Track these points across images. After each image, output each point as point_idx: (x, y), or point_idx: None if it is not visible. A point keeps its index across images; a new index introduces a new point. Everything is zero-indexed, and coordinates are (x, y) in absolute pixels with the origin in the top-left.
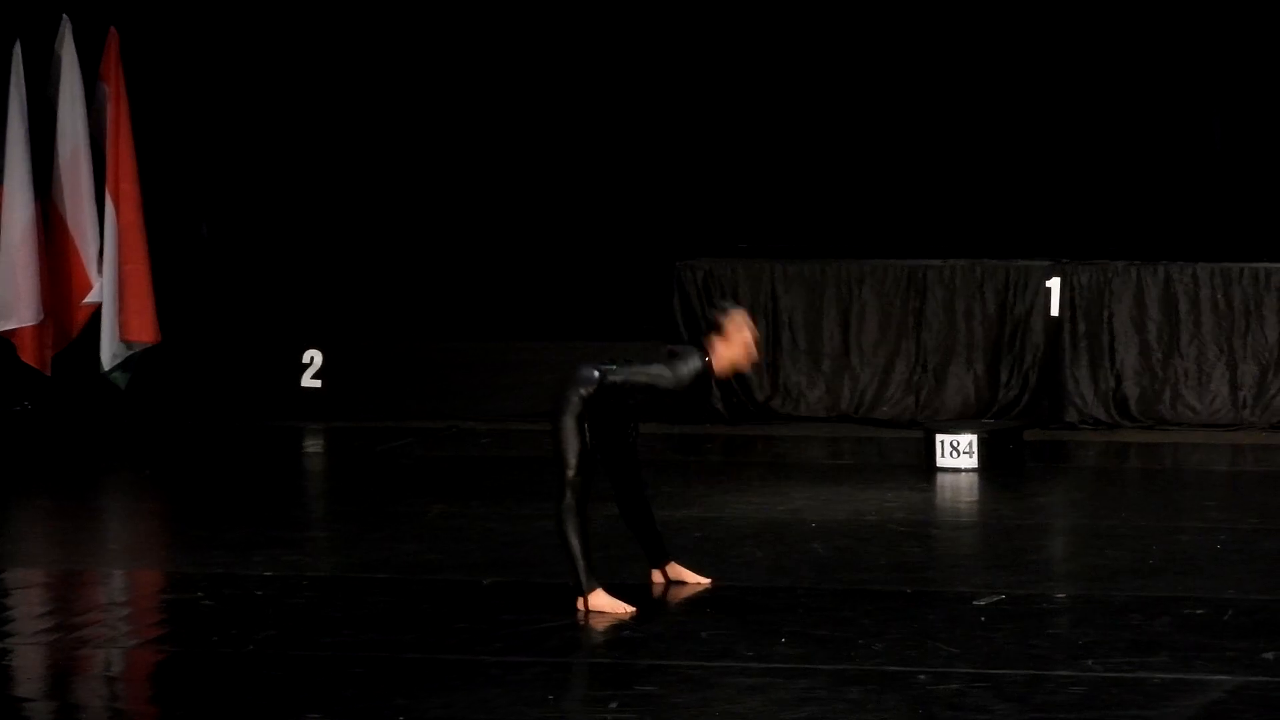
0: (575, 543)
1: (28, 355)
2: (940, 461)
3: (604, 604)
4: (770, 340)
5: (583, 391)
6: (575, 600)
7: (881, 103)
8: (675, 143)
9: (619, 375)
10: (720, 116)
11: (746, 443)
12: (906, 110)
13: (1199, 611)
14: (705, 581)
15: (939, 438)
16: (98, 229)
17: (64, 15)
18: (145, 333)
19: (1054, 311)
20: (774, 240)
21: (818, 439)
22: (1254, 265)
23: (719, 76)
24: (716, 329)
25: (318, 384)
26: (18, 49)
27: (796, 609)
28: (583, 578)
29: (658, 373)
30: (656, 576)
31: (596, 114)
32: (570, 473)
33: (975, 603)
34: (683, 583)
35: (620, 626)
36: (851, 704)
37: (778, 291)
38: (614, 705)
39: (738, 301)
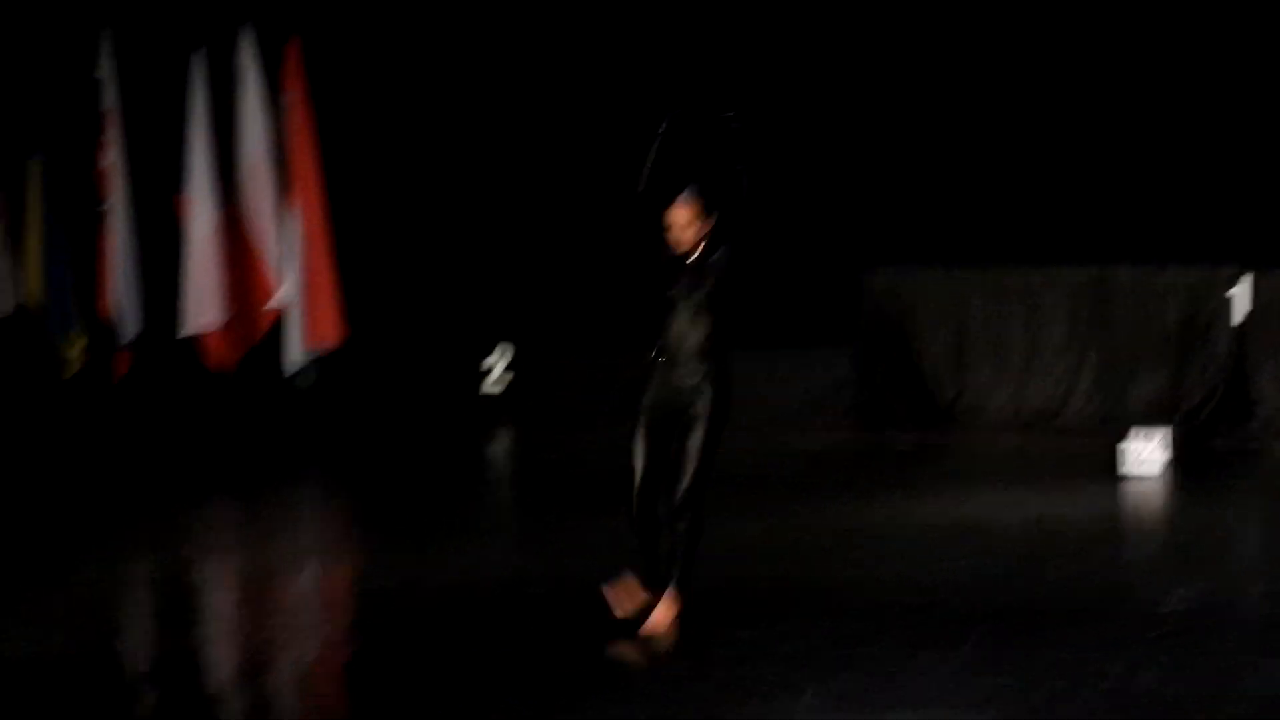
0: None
1: (213, 358)
2: (1125, 467)
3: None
4: (955, 347)
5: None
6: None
7: (1069, 111)
8: (863, 154)
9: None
10: (906, 127)
11: (932, 448)
12: (1093, 117)
13: None
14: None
15: (1124, 443)
16: (281, 235)
17: (246, 26)
18: (329, 336)
19: (1239, 317)
20: (959, 248)
21: (1003, 445)
22: None
23: (904, 88)
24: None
25: (500, 389)
26: (201, 59)
27: (982, 610)
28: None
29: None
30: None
31: (784, 126)
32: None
33: (1162, 608)
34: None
35: (789, 635)
36: (1038, 707)
37: (962, 299)
38: (808, 696)
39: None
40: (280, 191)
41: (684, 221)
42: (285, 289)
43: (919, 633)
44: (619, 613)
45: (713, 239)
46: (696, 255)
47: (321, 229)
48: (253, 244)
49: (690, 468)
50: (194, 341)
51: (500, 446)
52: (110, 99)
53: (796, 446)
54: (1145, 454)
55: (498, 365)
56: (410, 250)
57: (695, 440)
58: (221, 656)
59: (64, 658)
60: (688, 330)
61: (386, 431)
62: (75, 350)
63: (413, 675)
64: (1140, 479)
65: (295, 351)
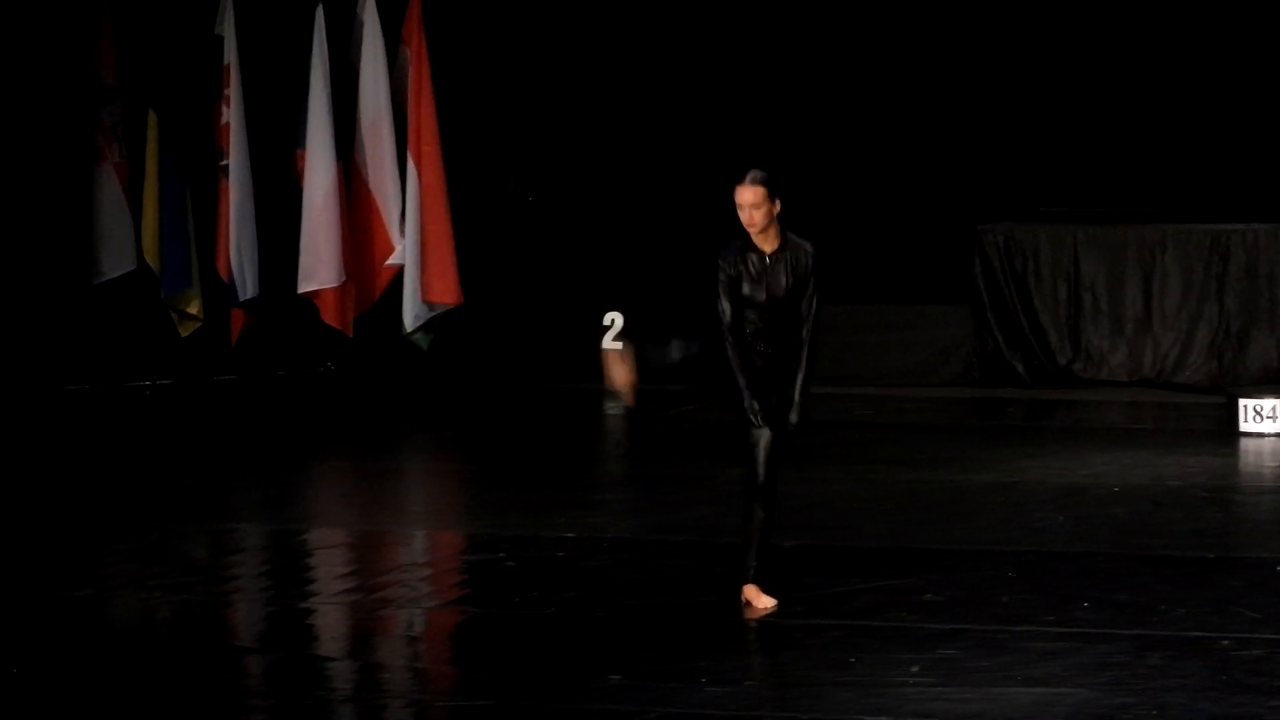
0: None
1: (330, 317)
2: (1243, 426)
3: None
4: (1072, 304)
5: None
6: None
7: (1189, 66)
8: (977, 107)
9: None
10: (1021, 80)
11: (1047, 406)
12: (1206, 74)
13: None
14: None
15: (1242, 402)
16: (400, 191)
17: None
18: (447, 294)
19: None
20: (1076, 204)
21: (1119, 403)
22: None
23: (1019, 40)
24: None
25: (618, 346)
26: (320, 13)
27: (1097, 574)
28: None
29: None
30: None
31: (898, 79)
32: None
33: (1279, 568)
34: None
35: (920, 590)
36: (1152, 669)
37: (1080, 255)
38: (915, 669)
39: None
40: (400, 149)
41: (754, 201)
42: (403, 246)
43: (1029, 598)
44: (759, 610)
45: (789, 232)
46: (778, 247)
47: (440, 185)
48: (371, 200)
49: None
50: (312, 299)
51: (619, 403)
52: (230, 54)
53: (912, 402)
54: (1264, 412)
55: (618, 323)
56: (530, 203)
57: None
58: (332, 621)
59: (173, 623)
60: (787, 324)
61: (503, 390)
62: (192, 308)
63: (528, 638)
64: (1259, 437)
65: (414, 307)
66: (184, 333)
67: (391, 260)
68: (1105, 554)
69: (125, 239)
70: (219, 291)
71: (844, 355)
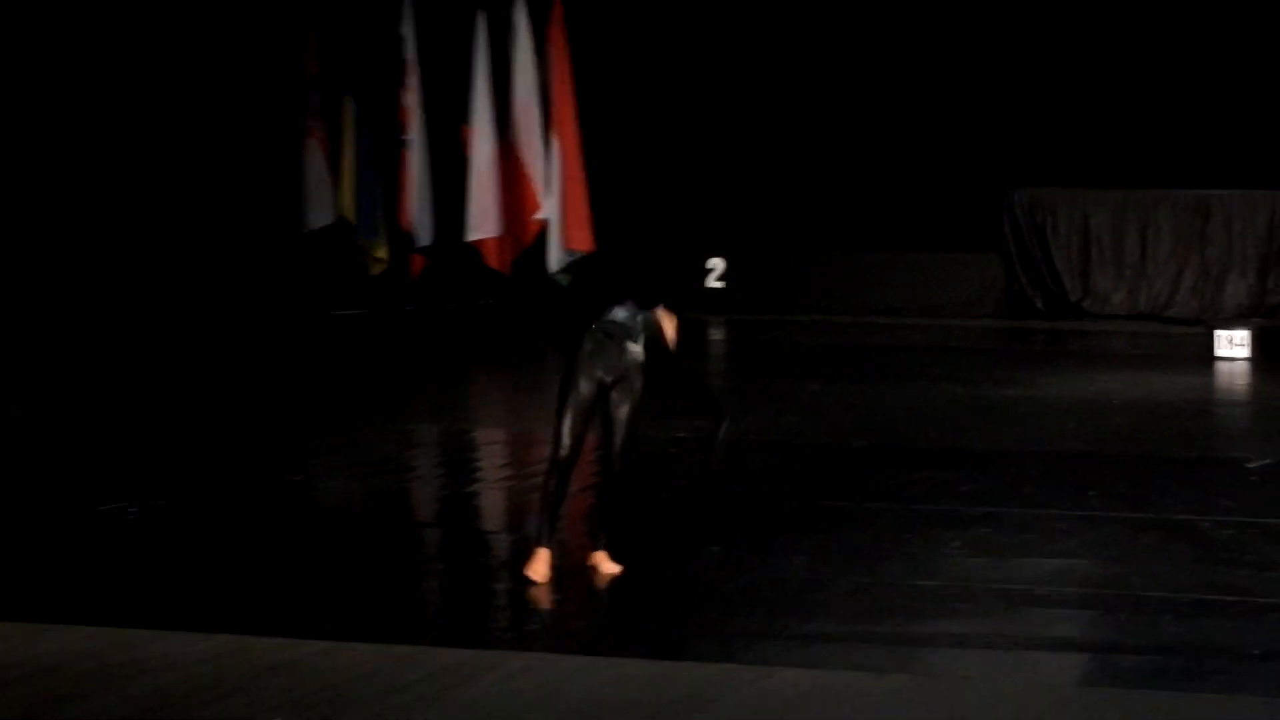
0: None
1: (491, 260)
2: (1219, 352)
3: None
4: (1083, 253)
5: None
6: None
7: (1179, 60)
8: (1011, 92)
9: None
10: (1045, 70)
11: (1062, 335)
12: (1199, 66)
13: None
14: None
15: (1218, 333)
16: (545, 159)
17: None
18: (583, 242)
19: None
20: (1087, 172)
21: (1120, 333)
22: None
23: (1046, 22)
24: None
25: (721, 285)
26: (481, 18)
27: (1102, 469)
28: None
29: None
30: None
31: (948, 64)
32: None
33: (1248, 465)
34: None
35: (959, 482)
36: (1147, 547)
37: (1089, 213)
38: (956, 544)
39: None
40: (545, 125)
41: None
42: (548, 203)
43: (1048, 489)
44: (537, 579)
45: None
46: None
47: (577, 155)
48: (523, 167)
49: (630, 432)
50: (476, 246)
51: (720, 332)
52: (410, 50)
53: (955, 330)
54: (1235, 341)
55: (719, 267)
56: (648, 172)
57: (633, 409)
58: (493, 502)
59: (366, 503)
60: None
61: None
62: (380, 253)
63: (647, 517)
64: (1231, 361)
65: (557, 253)
66: (374, 272)
67: (539, 215)
68: (1109, 454)
69: (327, 198)
70: (402, 239)
71: (900, 293)
